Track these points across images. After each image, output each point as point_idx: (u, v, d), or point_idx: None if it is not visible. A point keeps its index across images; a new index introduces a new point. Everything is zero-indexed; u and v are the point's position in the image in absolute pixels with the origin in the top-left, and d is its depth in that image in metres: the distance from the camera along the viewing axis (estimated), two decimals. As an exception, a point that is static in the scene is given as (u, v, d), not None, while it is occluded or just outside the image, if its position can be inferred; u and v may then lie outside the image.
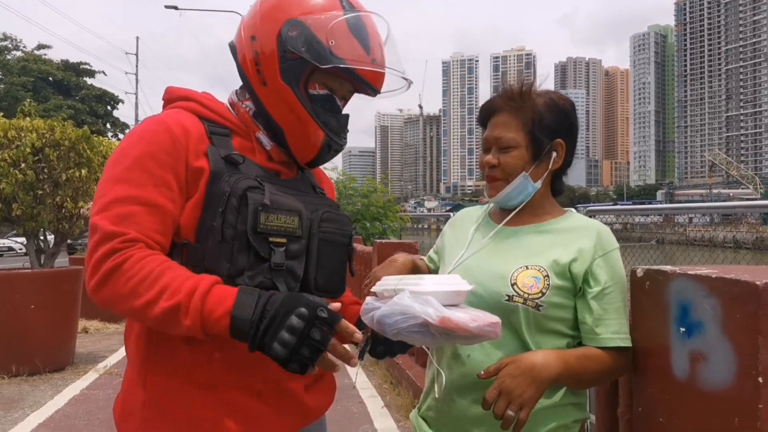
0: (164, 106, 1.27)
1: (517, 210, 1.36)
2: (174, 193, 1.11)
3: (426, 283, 1.09)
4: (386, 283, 1.14)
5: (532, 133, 1.31)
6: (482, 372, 1.15)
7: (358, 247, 7.10)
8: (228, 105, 1.28)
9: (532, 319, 1.24)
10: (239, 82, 1.29)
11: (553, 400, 1.26)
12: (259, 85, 1.21)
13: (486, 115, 1.37)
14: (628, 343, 1.25)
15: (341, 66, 1.17)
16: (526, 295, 1.23)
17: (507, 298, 1.24)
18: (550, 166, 1.34)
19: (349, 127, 1.33)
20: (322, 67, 1.16)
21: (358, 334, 1.01)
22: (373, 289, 1.16)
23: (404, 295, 1.05)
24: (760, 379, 0.95)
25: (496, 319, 1.08)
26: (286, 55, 1.17)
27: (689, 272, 1.11)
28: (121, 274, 1.02)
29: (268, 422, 1.17)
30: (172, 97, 1.27)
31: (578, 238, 1.30)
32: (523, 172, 1.32)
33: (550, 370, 1.15)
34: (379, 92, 1.29)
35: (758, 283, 0.96)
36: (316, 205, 1.24)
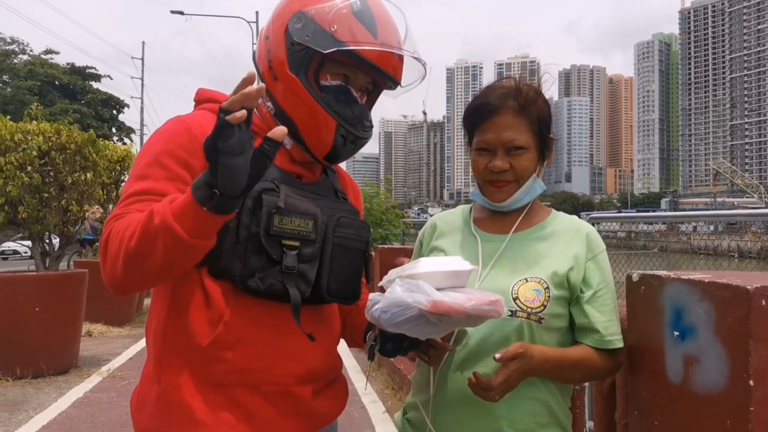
0: (194, 108, 1.30)
1: (524, 214, 1.33)
2: (185, 183, 1.12)
3: (421, 265, 1.06)
4: (389, 275, 1.12)
5: (539, 133, 1.29)
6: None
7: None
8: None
9: (535, 333, 1.23)
10: None
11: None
12: (272, 81, 1.23)
13: (483, 115, 1.29)
14: (622, 343, 1.28)
15: (343, 48, 1.16)
16: (529, 310, 1.22)
17: (510, 313, 1.21)
18: (545, 163, 1.35)
19: (372, 122, 1.31)
20: (324, 52, 1.17)
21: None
22: (380, 283, 1.14)
23: (395, 286, 1.02)
24: (752, 382, 0.97)
25: (495, 297, 1.05)
26: (294, 47, 1.19)
27: (683, 277, 1.13)
28: (112, 240, 1.07)
29: (273, 424, 1.19)
30: (201, 99, 1.30)
31: (571, 242, 1.31)
32: (534, 174, 1.31)
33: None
34: (397, 80, 1.26)
35: (749, 287, 0.98)
36: (333, 210, 1.23)
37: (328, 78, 1.22)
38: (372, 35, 1.19)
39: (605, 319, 1.26)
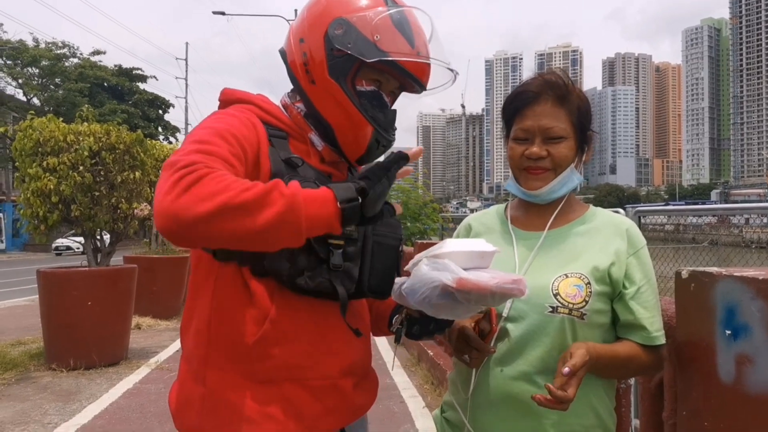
0: (220, 107, 1.29)
1: (559, 209, 1.32)
2: (243, 168, 1.09)
3: (447, 245, 1.08)
4: (415, 258, 1.14)
5: (578, 123, 1.29)
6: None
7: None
8: (281, 107, 1.31)
9: (577, 329, 1.21)
10: (284, 85, 1.33)
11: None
12: (308, 84, 1.24)
13: (523, 103, 1.30)
14: (665, 339, 1.26)
15: (387, 59, 1.19)
16: (571, 306, 1.20)
17: (551, 309, 1.21)
18: (584, 159, 1.35)
19: (396, 125, 1.33)
20: (369, 61, 1.18)
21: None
22: (406, 267, 1.16)
23: (422, 265, 1.05)
24: (810, 384, 0.93)
25: (518, 276, 1.06)
26: (333, 53, 1.20)
27: (736, 274, 1.09)
28: (208, 180, 0.94)
29: (318, 418, 1.21)
30: (229, 99, 1.29)
31: (611, 237, 1.29)
32: (572, 165, 1.30)
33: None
34: (425, 87, 1.29)
35: (807, 285, 0.94)
36: None
37: (363, 84, 1.25)
38: (410, 45, 1.22)
39: (649, 315, 1.24)
